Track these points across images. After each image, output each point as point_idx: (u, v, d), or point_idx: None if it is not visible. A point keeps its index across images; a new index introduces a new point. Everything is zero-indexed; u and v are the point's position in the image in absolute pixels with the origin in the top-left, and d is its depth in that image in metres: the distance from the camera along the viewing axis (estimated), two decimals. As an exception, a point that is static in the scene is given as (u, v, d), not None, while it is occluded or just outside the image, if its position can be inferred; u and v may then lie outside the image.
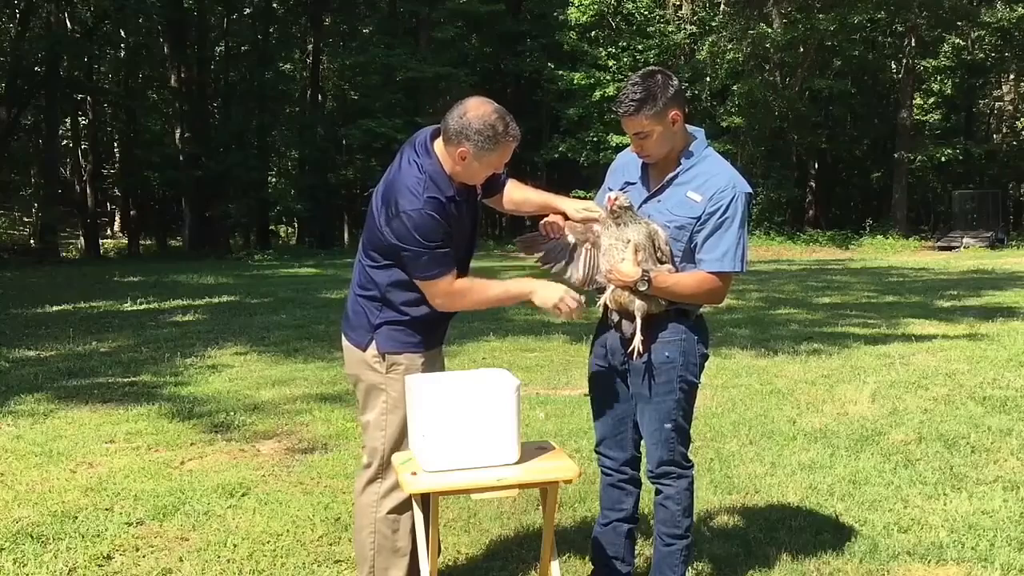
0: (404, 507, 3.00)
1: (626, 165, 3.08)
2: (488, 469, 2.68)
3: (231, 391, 6.62)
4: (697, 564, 3.46)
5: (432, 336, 3.04)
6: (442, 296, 2.90)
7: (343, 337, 3.10)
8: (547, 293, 2.85)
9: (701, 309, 3.01)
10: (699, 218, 2.84)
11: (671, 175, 2.91)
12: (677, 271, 2.88)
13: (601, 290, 2.97)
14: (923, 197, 37.30)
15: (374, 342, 3.00)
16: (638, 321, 2.86)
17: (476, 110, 2.79)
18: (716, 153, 2.97)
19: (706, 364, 3.03)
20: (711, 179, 2.86)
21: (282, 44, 33.46)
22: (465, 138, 2.78)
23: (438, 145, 2.87)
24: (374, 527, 3.07)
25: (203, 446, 5.20)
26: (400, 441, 3.01)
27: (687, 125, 2.94)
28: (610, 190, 3.01)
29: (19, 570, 3.51)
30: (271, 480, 4.60)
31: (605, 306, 2.96)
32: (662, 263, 2.86)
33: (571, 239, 3.00)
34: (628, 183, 3.02)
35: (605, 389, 3.07)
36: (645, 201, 2.94)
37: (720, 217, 2.83)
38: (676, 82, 2.86)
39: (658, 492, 3.02)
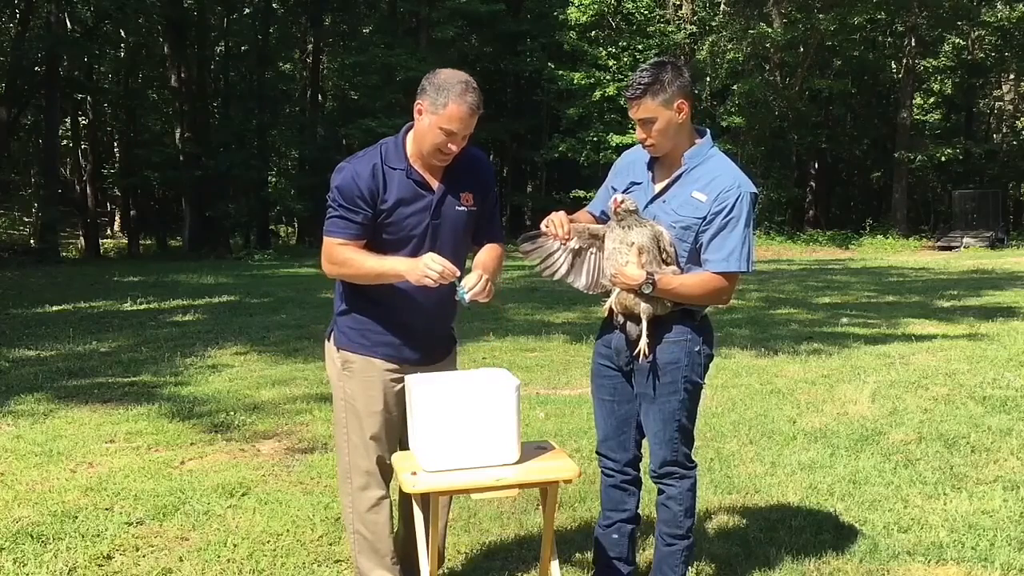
0: (378, 508, 3.00)
1: (631, 165, 3.06)
2: (488, 469, 2.68)
3: (231, 391, 6.62)
4: (697, 564, 3.46)
5: (394, 346, 2.93)
6: (324, 255, 2.90)
7: None
8: (414, 267, 2.75)
9: (706, 310, 3.00)
10: (704, 218, 2.83)
11: (676, 173, 2.90)
12: (682, 272, 2.87)
13: (607, 293, 2.95)
14: (923, 197, 37.31)
15: (333, 333, 3.01)
16: (644, 323, 2.85)
17: (448, 71, 2.79)
18: (721, 153, 2.96)
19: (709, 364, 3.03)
20: (716, 179, 2.85)
21: (282, 44, 33.39)
22: (424, 91, 2.76)
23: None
24: (353, 527, 3.08)
25: (203, 446, 5.21)
26: (356, 443, 2.96)
27: (695, 126, 2.93)
28: (614, 190, 3.00)
29: (19, 570, 3.51)
30: (271, 480, 4.61)
31: (610, 308, 2.95)
32: (667, 265, 2.84)
33: (575, 244, 2.97)
34: (634, 183, 3.00)
35: (609, 390, 3.06)
36: (651, 202, 2.93)
37: (725, 217, 2.82)
38: (687, 75, 2.88)
39: (661, 492, 3.02)
